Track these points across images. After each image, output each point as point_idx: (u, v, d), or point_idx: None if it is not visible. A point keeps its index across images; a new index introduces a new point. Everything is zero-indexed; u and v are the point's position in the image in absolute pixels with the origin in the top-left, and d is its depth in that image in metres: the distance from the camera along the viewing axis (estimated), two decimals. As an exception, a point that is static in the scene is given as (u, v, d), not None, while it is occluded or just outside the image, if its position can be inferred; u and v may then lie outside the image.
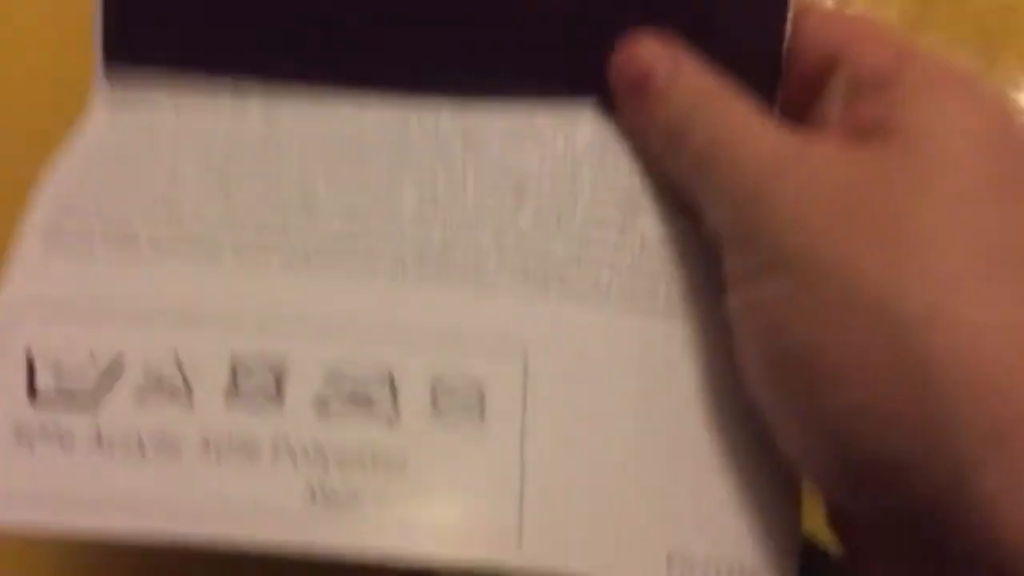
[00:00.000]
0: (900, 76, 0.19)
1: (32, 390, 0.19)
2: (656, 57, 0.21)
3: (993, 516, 0.15)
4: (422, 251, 0.21)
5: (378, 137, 0.23)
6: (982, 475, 0.15)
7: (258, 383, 0.19)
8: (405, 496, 0.18)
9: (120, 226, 0.21)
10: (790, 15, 0.22)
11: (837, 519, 0.21)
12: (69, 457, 0.18)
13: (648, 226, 0.22)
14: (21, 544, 0.26)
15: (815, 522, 0.21)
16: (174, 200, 0.22)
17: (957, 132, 0.18)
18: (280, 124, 0.23)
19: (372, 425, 0.18)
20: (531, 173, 0.22)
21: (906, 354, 0.16)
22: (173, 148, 0.22)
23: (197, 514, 0.17)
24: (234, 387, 0.19)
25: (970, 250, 0.17)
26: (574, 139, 0.23)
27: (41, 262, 0.20)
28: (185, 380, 0.19)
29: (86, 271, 0.20)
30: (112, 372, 0.19)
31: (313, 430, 0.18)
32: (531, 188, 0.22)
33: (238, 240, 0.21)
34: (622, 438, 0.20)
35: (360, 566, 0.17)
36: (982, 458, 0.15)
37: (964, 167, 0.17)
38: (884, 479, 0.17)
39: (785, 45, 0.22)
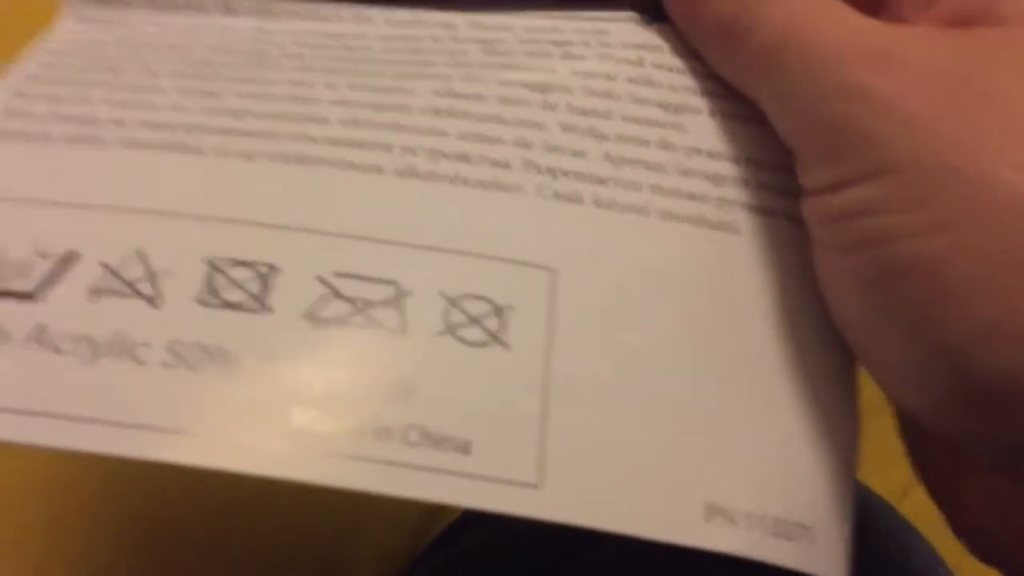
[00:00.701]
0: None
1: None
2: None
3: None
4: (436, 146, 0.18)
5: (385, 48, 0.20)
6: None
7: (240, 290, 0.16)
8: (408, 428, 0.15)
9: (81, 109, 0.18)
10: None
11: (916, 435, 0.19)
12: (2, 355, 0.15)
13: (695, 138, 0.19)
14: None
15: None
16: (148, 92, 0.19)
17: None
18: (273, 36, 0.20)
19: (374, 343, 0.16)
20: (559, 86, 0.19)
21: None
22: (150, 49, 0.20)
23: (157, 430, 0.14)
24: (210, 291, 0.16)
25: None
26: (608, 51, 0.20)
27: None
28: (151, 281, 0.16)
29: (39, 158, 0.18)
30: (62, 266, 0.16)
31: (306, 345, 0.15)
32: (560, 101, 0.19)
33: (221, 130, 0.18)
34: (662, 369, 0.17)
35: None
36: None
37: None
38: (1015, 403, 0.15)
39: None
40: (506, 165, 0.18)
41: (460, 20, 0.21)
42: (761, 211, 0.19)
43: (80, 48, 0.20)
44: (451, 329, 0.16)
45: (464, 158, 0.18)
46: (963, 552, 0.19)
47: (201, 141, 0.18)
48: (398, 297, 0.16)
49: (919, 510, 0.22)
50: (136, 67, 0.20)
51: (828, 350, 0.18)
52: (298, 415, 0.15)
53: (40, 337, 0.15)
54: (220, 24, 0.21)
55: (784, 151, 0.18)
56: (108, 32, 0.21)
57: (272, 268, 0.16)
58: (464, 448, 0.15)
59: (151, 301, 0.15)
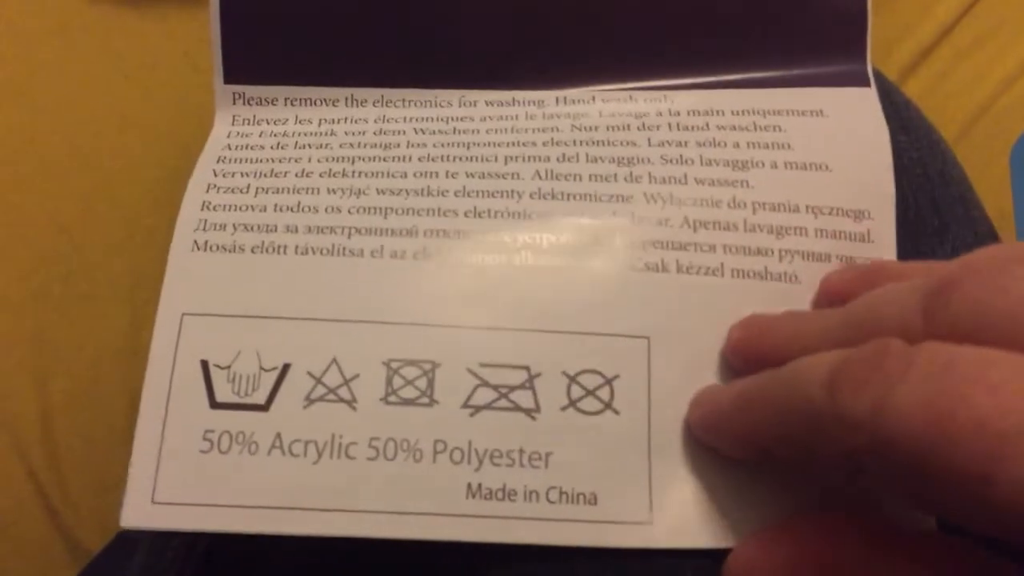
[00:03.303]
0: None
1: (212, 399, 0.21)
2: None
3: None
4: (544, 231, 0.22)
5: (490, 128, 0.24)
6: None
7: (412, 387, 0.21)
8: (548, 489, 0.20)
9: (259, 217, 0.23)
10: None
11: None
12: (252, 462, 0.20)
13: (760, 192, 0.23)
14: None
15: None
16: (307, 194, 0.23)
17: None
18: (396, 125, 0.24)
19: (517, 423, 0.21)
20: (640, 158, 0.23)
21: None
22: (297, 149, 0.24)
23: (371, 512, 0.20)
24: (391, 391, 0.21)
25: None
26: (677, 119, 0.24)
27: (194, 269, 0.22)
28: (348, 386, 0.21)
29: (236, 270, 0.22)
30: (281, 379, 0.21)
31: (467, 431, 0.21)
32: (643, 172, 0.23)
33: (372, 230, 0.22)
34: None
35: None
36: None
37: None
38: None
39: None
40: (599, 242, 0.22)
41: (548, 96, 0.25)
42: (818, 257, 0.23)
43: (242, 154, 0.25)
44: (573, 403, 0.21)
45: (566, 237, 0.22)
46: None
47: (359, 243, 0.22)
48: (531, 380, 0.21)
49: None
50: (291, 168, 0.24)
51: None
52: (467, 491, 0.20)
53: (278, 444, 0.20)
54: (348, 115, 0.25)
55: (842, 196, 0.22)
56: (260, 131, 0.25)
57: (434, 365, 0.21)
58: (592, 500, 0.20)
59: (351, 405, 0.21)
